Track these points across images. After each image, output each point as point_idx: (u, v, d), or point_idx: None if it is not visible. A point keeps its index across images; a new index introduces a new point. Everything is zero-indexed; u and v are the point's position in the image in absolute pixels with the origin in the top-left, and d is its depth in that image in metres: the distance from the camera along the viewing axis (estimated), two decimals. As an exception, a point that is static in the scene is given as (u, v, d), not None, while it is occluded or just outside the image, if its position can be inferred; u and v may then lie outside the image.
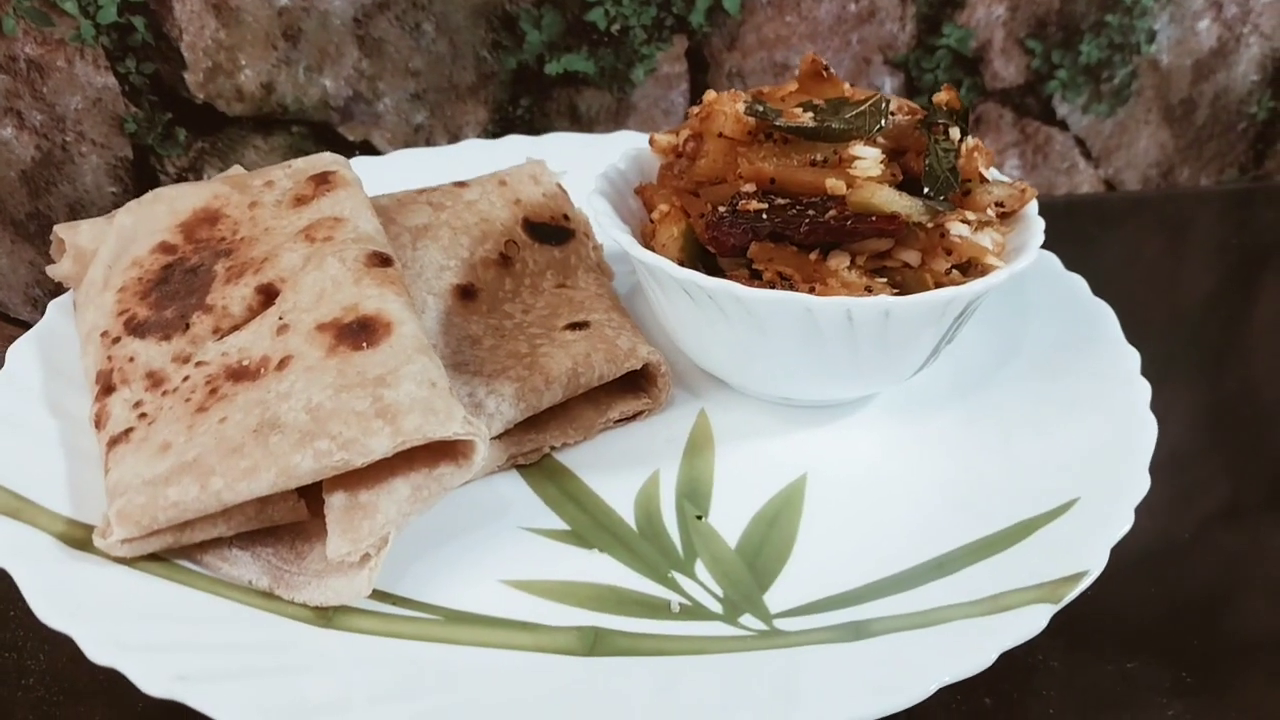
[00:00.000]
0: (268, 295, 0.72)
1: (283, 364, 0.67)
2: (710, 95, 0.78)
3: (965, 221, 0.72)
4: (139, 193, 1.11)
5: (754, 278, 0.73)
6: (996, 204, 0.76)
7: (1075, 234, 1.16)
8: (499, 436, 0.73)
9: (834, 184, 0.71)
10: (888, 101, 0.76)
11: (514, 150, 1.01)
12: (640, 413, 0.79)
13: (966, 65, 1.23)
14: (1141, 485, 0.66)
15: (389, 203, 0.84)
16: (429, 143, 1.18)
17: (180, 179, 1.14)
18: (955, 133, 0.76)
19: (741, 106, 0.75)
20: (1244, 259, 1.19)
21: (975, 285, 0.70)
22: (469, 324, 0.79)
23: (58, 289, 1.14)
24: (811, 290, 0.70)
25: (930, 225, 0.71)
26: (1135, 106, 1.29)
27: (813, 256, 0.72)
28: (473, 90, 1.16)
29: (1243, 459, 0.87)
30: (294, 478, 0.62)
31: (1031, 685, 0.70)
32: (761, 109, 0.75)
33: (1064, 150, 1.30)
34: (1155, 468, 0.69)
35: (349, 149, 1.16)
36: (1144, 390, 0.74)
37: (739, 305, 0.71)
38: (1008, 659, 0.64)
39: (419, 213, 0.83)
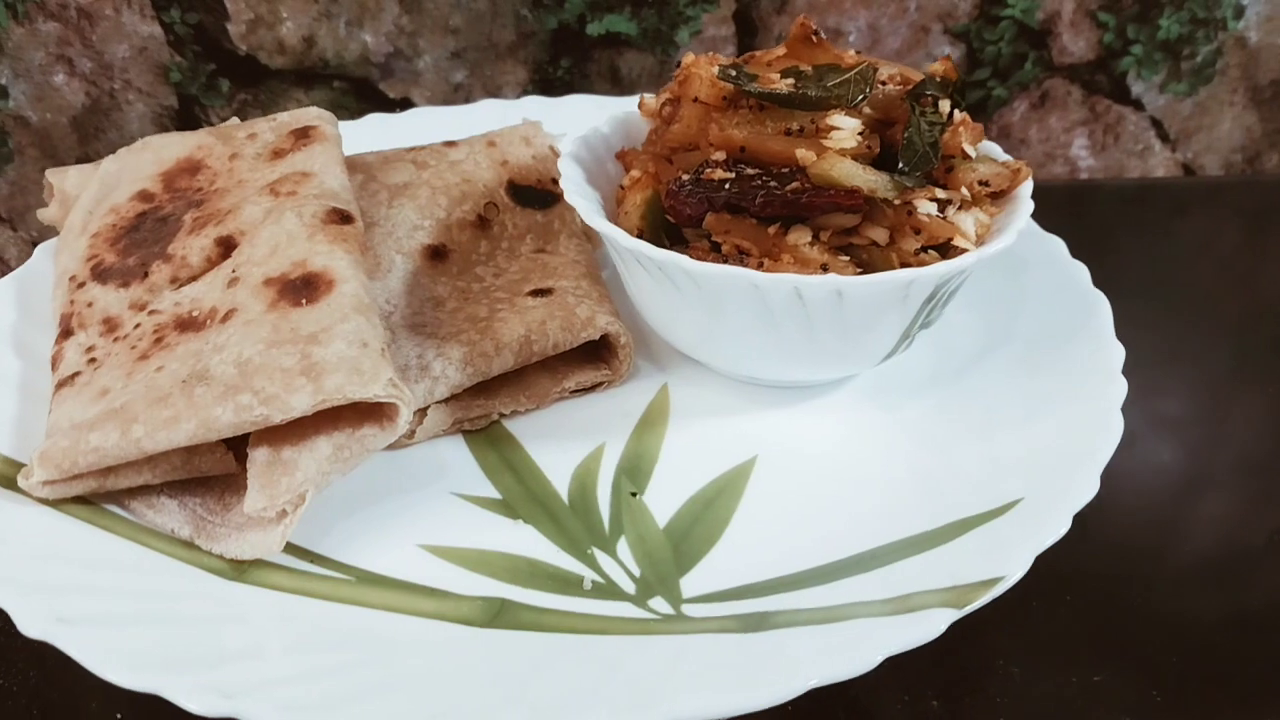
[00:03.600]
0: (226, 247, 0.72)
1: (226, 317, 0.67)
2: (689, 58, 0.75)
3: (935, 200, 0.68)
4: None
5: (714, 250, 0.70)
6: (981, 183, 0.71)
7: (1149, 221, 1.10)
8: (446, 400, 0.72)
9: (804, 154, 0.68)
10: (875, 70, 0.72)
11: (531, 111, 0.99)
12: (600, 384, 0.77)
13: (1032, 38, 1.16)
14: (1088, 490, 0.61)
15: (374, 159, 0.83)
16: (468, 101, 1.17)
17: (223, 130, 1.16)
18: (945, 105, 0.71)
19: (717, 70, 0.72)
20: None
21: (938, 268, 0.66)
22: (436, 285, 0.78)
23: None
24: (760, 265, 0.67)
25: (898, 202, 0.68)
26: (1219, 86, 1.20)
27: (772, 230, 0.68)
28: (512, 49, 1.15)
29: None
30: (213, 430, 0.62)
31: (985, 690, 0.66)
32: (734, 73, 0.71)
33: (1137, 131, 1.22)
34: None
35: (390, 105, 1.17)
36: (1119, 389, 0.68)
37: (689, 280, 0.68)
38: (964, 662, 0.60)
39: (401, 170, 0.82)
